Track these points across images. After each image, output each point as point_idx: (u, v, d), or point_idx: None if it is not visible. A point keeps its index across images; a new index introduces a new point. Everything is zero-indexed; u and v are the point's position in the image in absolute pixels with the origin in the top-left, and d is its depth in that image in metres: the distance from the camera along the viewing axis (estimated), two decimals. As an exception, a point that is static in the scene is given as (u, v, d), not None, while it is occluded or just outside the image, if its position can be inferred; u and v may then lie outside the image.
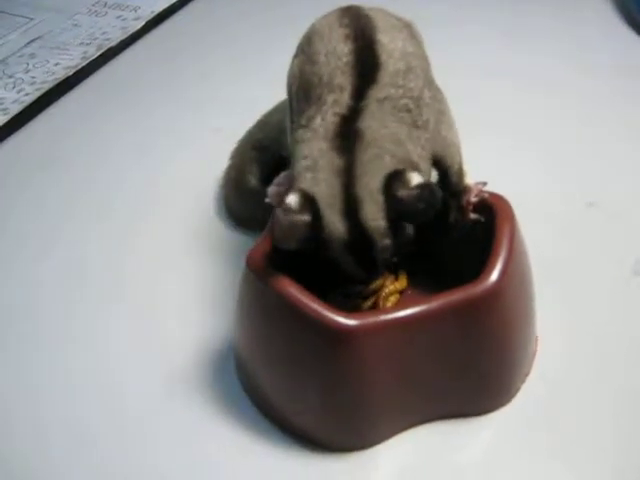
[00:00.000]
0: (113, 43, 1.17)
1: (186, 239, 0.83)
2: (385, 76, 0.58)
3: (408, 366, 0.57)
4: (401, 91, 0.58)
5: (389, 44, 0.60)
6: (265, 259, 0.59)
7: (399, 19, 0.66)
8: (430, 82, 0.63)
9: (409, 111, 0.58)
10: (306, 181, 0.56)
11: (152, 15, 1.25)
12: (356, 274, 0.57)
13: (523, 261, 0.62)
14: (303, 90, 0.61)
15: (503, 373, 0.62)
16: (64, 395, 0.68)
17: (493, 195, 0.64)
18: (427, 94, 0.60)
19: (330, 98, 0.58)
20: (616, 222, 0.81)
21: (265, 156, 0.79)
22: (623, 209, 0.82)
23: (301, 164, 0.57)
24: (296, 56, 0.66)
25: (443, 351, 0.58)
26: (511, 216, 0.61)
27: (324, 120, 0.58)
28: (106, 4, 1.30)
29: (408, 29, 0.64)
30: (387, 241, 0.55)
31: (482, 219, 0.62)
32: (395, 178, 0.54)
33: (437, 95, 0.63)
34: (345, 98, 0.58)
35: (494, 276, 0.57)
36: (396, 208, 0.54)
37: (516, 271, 0.59)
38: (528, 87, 1.02)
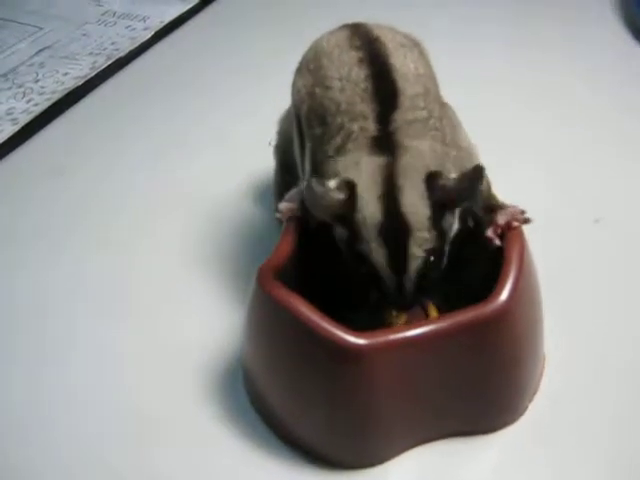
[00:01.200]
0: (122, 53, 1.18)
1: (195, 251, 0.83)
2: (405, 100, 0.59)
3: (417, 384, 0.57)
4: (426, 112, 0.59)
5: (402, 67, 0.61)
6: (276, 274, 0.59)
7: (406, 36, 0.66)
8: (441, 101, 0.63)
9: (437, 129, 0.59)
10: (348, 172, 0.57)
11: (161, 25, 1.26)
12: (386, 276, 0.56)
13: (532, 280, 0.62)
14: (316, 114, 0.61)
15: (512, 392, 0.63)
16: (71, 406, 0.68)
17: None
18: (442, 113, 0.61)
19: (355, 126, 0.58)
20: (623, 238, 0.81)
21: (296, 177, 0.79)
22: (630, 225, 0.82)
23: (340, 166, 0.58)
24: (300, 73, 0.66)
25: (452, 370, 0.58)
26: (521, 235, 0.61)
27: (356, 143, 0.58)
28: (115, 14, 1.31)
29: (417, 48, 0.65)
30: (425, 234, 0.55)
31: (499, 244, 0.61)
32: (435, 175, 0.55)
33: (448, 111, 0.64)
34: (371, 124, 0.58)
35: (504, 296, 0.57)
36: (439, 195, 0.55)
37: (525, 290, 0.59)
38: (534, 101, 1.03)
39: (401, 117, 0.58)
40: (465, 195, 0.55)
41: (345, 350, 0.55)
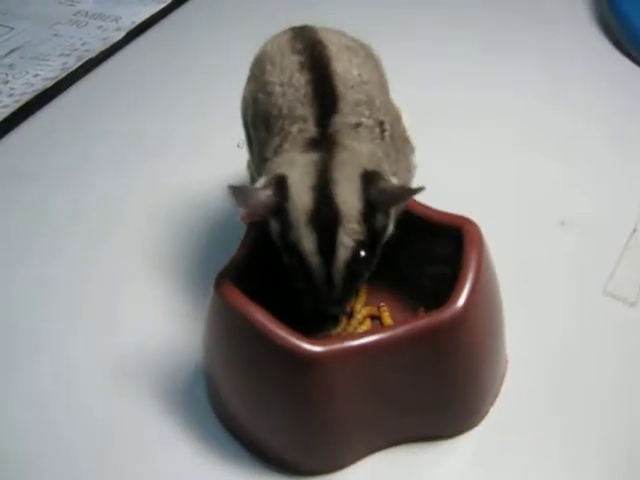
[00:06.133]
0: (93, 54, 1.17)
1: (159, 257, 0.82)
2: (346, 106, 0.58)
3: (376, 391, 0.57)
4: (372, 121, 0.59)
5: (345, 74, 0.60)
6: (233, 283, 0.59)
7: (355, 40, 0.66)
8: (387, 108, 0.63)
9: (383, 140, 0.59)
10: (280, 170, 0.56)
11: (133, 26, 1.24)
12: (314, 263, 0.55)
13: (491, 285, 0.62)
14: (260, 119, 0.61)
15: (472, 396, 0.63)
16: (30, 412, 0.68)
17: (461, 218, 0.63)
18: (393, 131, 0.61)
19: (294, 128, 0.58)
20: (588, 241, 0.81)
21: None
22: (595, 228, 0.82)
23: (274, 165, 0.57)
24: (248, 80, 0.66)
25: (410, 376, 0.58)
26: (479, 240, 0.61)
27: (294, 143, 0.58)
28: (87, 14, 1.30)
29: (364, 51, 0.64)
30: (355, 226, 0.54)
31: None
32: (374, 174, 0.55)
33: (394, 122, 0.63)
34: (310, 126, 0.58)
35: (460, 302, 0.57)
36: (374, 194, 0.54)
37: (483, 296, 0.59)
38: (503, 101, 1.02)
39: (341, 121, 0.58)
40: (397, 202, 0.56)
41: (300, 357, 0.54)
